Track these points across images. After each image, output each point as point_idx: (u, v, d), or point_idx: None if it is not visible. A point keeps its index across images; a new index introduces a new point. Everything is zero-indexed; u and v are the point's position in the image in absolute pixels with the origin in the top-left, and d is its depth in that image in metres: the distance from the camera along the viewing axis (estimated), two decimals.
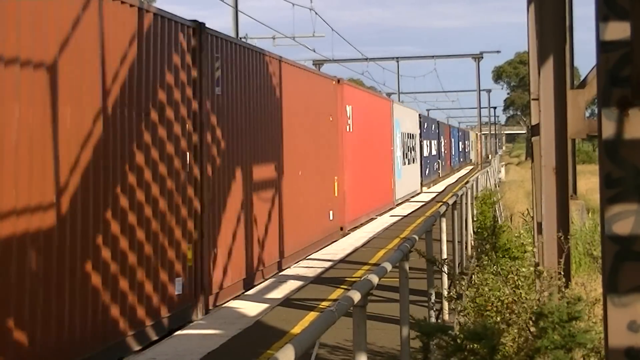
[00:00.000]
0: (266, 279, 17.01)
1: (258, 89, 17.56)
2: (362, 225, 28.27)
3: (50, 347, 9.49)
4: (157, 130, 12.45)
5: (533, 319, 6.57)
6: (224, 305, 14.34)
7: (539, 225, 8.27)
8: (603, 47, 4.26)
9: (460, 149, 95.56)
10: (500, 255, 11.83)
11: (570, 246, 7.95)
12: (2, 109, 8.91)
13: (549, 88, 7.96)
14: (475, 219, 19.92)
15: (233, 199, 15.78)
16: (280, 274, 17.96)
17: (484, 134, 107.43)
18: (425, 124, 53.27)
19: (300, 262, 19.94)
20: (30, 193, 9.30)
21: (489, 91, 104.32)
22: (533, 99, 8.82)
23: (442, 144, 66.10)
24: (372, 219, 30.40)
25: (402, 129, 39.94)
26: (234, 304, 14.39)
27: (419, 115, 50.23)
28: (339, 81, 26.39)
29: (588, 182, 36.67)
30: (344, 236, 25.09)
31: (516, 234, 12.39)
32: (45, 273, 9.47)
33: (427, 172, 51.54)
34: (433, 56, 70.37)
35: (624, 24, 4.22)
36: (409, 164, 42.01)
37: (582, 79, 8.59)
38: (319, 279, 16.71)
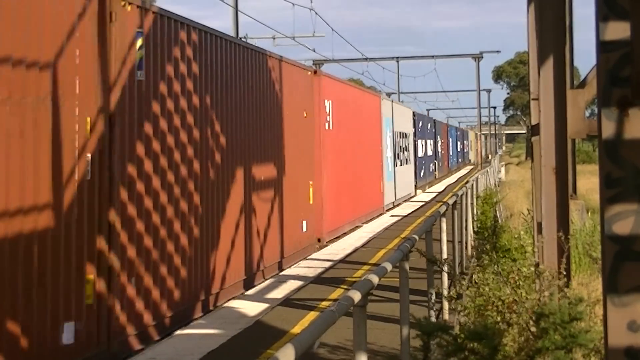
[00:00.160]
0: (195, 320, 13.21)
1: (200, 74, 14.05)
2: (345, 234, 25.51)
3: None
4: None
5: (534, 318, 6.57)
6: (224, 305, 14.34)
7: (539, 225, 8.26)
8: (603, 47, 4.27)
9: (459, 149, 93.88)
10: (501, 255, 11.83)
11: (570, 246, 7.95)
12: None
13: (549, 88, 7.96)
14: (476, 219, 19.92)
15: (159, 210, 12.33)
16: (281, 273, 17.96)
17: (484, 133, 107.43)
18: (420, 122, 50.99)
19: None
20: None
21: (489, 91, 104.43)
22: (533, 99, 8.82)
23: (439, 143, 64.23)
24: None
25: (393, 128, 37.54)
26: (234, 303, 14.39)
27: (413, 113, 48.03)
28: (315, 72, 23.69)
29: (588, 182, 36.63)
30: (321, 249, 22.25)
31: (516, 235, 12.40)
32: None
33: (422, 173, 49.45)
34: (433, 56, 70.46)
35: (624, 24, 4.22)
36: (401, 165, 39.74)
37: (582, 79, 8.59)
38: (319, 279, 16.72)
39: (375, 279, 6.41)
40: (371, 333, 8.25)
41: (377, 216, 31.72)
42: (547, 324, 6.23)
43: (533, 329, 6.61)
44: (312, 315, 12.81)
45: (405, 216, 31.57)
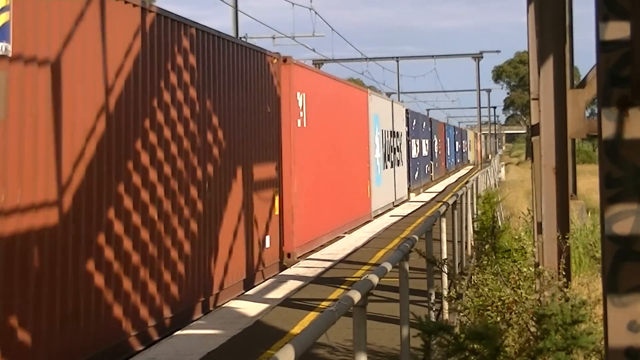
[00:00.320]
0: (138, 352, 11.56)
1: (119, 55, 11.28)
2: (322, 247, 22.16)
3: None
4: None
5: (534, 319, 6.56)
6: (224, 305, 14.34)
7: (539, 225, 8.26)
8: (603, 47, 4.26)
9: (457, 149, 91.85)
10: (500, 256, 11.82)
11: (570, 246, 7.95)
12: None
13: (549, 88, 7.96)
14: (477, 219, 19.89)
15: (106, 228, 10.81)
16: (281, 273, 17.92)
17: (483, 133, 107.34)
18: (414, 120, 47.29)
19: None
20: None
21: (488, 91, 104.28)
22: (533, 99, 8.82)
23: (436, 143, 61.06)
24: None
25: (383, 126, 34.11)
26: (234, 304, 14.38)
27: (406, 110, 44.24)
28: (285, 60, 19.74)
29: (588, 182, 36.65)
30: (291, 265, 18.88)
31: (515, 236, 12.39)
32: None
33: (416, 175, 46.22)
34: (433, 56, 70.35)
35: (624, 23, 4.22)
36: (392, 167, 36.22)
37: (582, 79, 8.59)
38: (319, 279, 16.71)
39: (375, 279, 6.41)
40: (371, 333, 8.25)
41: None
42: (548, 325, 6.23)
43: (533, 329, 6.61)
44: (312, 315, 12.80)
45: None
